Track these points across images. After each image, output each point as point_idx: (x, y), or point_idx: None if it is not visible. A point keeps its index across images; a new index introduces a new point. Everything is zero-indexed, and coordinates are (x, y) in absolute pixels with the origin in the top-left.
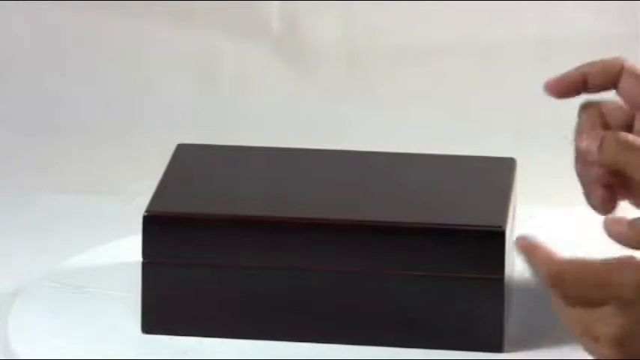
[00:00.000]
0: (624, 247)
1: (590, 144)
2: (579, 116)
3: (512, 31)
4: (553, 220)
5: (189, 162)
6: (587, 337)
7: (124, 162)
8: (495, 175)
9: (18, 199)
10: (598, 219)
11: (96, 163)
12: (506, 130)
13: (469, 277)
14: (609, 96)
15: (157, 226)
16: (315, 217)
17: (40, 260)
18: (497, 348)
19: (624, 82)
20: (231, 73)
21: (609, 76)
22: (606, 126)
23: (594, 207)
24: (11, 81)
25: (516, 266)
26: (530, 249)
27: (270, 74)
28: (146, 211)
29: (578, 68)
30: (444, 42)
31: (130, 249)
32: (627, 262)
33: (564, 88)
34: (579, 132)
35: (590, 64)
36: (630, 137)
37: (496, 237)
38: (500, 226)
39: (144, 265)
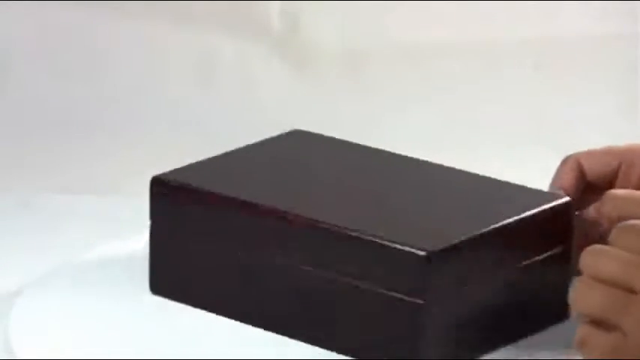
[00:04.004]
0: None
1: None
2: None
3: (512, 31)
4: None
5: (259, 148)
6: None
7: (124, 162)
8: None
9: (18, 199)
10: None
11: (96, 163)
12: (506, 130)
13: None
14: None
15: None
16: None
17: (41, 260)
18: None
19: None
20: (231, 73)
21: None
22: (583, 177)
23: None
24: (11, 81)
25: None
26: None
27: (270, 74)
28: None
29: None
30: (444, 42)
31: (131, 249)
32: None
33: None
34: (556, 180)
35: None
36: (627, 191)
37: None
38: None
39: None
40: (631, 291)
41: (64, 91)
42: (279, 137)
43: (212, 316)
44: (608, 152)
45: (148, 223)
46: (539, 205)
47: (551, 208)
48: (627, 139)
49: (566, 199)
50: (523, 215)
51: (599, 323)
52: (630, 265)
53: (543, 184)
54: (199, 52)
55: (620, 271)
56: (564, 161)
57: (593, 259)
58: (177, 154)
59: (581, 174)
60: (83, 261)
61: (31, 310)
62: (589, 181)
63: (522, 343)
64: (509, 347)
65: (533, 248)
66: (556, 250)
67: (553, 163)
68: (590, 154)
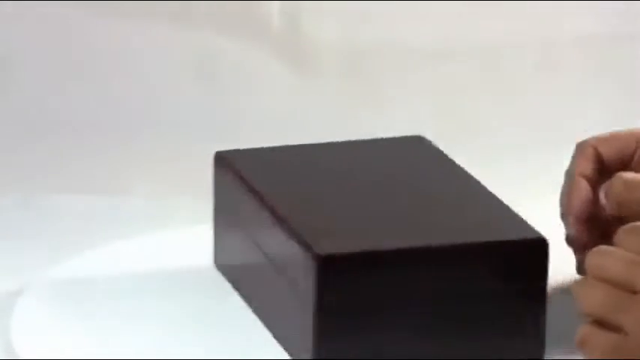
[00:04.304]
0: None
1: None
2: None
3: (513, 31)
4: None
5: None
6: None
7: (124, 162)
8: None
9: (18, 199)
10: None
11: (96, 163)
12: (506, 130)
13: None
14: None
15: None
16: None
17: (41, 260)
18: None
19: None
20: (230, 72)
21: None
22: (601, 164)
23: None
24: (11, 81)
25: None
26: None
27: (270, 74)
28: None
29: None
30: (445, 42)
31: (132, 249)
32: None
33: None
34: (573, 168)
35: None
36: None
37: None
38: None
39: None
40: (633, 291)
41: (63, 91)
42: (397, 139)
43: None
44: (624, 136)
45: (147, 222)
46: (502, 235)
47: (519, 242)
48: None
49: (542, 238)
50: (464, 242)
51: (601, 323)
52: (633, 265)
53: (543, 184)
54: (199, 52)
55: (624, 272)
56: (580, 149)
57: (598, 259)
58: (177, 155)
59: (599, 161)
60: (83, 261)
61: (32, 310)
62: (606, 165)
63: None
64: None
65: (485, 278)
66: (520, 286)
67: (553, 163)
68: (606, 140)
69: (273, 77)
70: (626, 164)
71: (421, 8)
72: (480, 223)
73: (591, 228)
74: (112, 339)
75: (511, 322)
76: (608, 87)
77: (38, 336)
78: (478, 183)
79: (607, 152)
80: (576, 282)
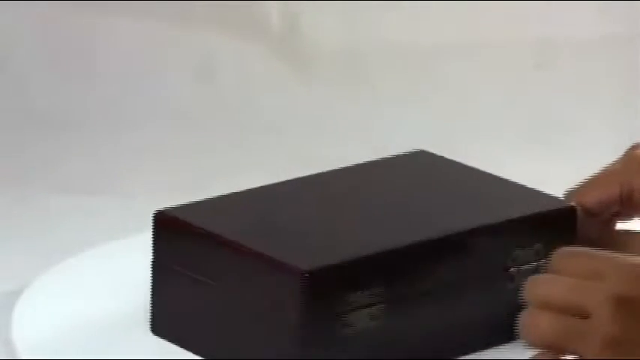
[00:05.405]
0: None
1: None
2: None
3: (513, 31)
4: None
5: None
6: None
7: (124, 162)
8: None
9: (18, 199)
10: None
11: (96, 162)
12: (506, 130)
13: None
14: None
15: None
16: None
17: (41, 260)
18: None
19: None
20: (230, 73)
21: None
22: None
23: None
24: (11, 80)
25: None
26: None
27: (269, 74)
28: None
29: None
30: (444, 42)
31: (131, 249)
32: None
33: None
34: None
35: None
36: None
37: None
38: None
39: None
40: (583, 315)
41: (62, 91)
42: (401, 157)
43: None
44: (603, 182)
45: (147, 222)
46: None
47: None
48: (627, 139)
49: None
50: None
51: (553, 350)
52: (578, 289)
53: (543, 183)
54: (199, 52)
55: (570, 297)
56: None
57: (540, 288)
58: (176, 155)
59: (586, 212)
60: (83, 261)
61: (32, 310)
62: (595, 214)
63: (516, 343)
64: (501, 348)
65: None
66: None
67: (553, 163)
68: (586, 192)
69: (273, 77)
70: (613, 208)
71: (421, 8)
72: (509, 200)
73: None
74: (112, 339)
75: None
76: (609, 87)
77: (37, 336)
78: (493, 175)
79: (590, 203)
80: (520, 315)
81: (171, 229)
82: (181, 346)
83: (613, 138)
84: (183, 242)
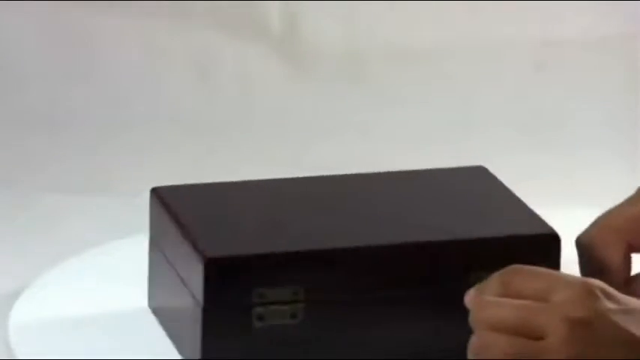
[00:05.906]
0: None
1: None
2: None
3: (513, 31)
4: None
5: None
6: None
7: (124, 162)
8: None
9: (18, 199)
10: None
11: (96, 162)
12: (506, 131)
13: None
14: None
15: None
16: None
17: (41, 260)
18: None
19: None
20: (230, 73)
21: None
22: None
23: None
24: (11, 80)
25: None
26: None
27: (269, 74)
28: None
29: None
30: (443, 42)
31: (131, 249)
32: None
33: None
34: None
35: None
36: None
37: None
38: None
39: None
40: (536, 337)
41: (63, 91)
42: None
43: None
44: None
45: (146, 222)
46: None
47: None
48: (627, 139)
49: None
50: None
51: None
52: (529, 309)
53: (542, 184)
54: (199, 52)
55: (521, 317)
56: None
57: (486, 310)
58: (176, 154)
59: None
60: (82, 261)
61: (31, 310)
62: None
63: None
64: None
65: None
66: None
67: (553, 163)
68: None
69: (273, 77)
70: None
71: (421, 9)
72: (490, 220)
73: None
74: (112, 339)
75: None
76: (609, 87)
77: (37, 336)
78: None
79: (617, 263)
80: (471, 338)
81: (160, 206)
82: None
83: (613, 138)
84: (162, 220)
